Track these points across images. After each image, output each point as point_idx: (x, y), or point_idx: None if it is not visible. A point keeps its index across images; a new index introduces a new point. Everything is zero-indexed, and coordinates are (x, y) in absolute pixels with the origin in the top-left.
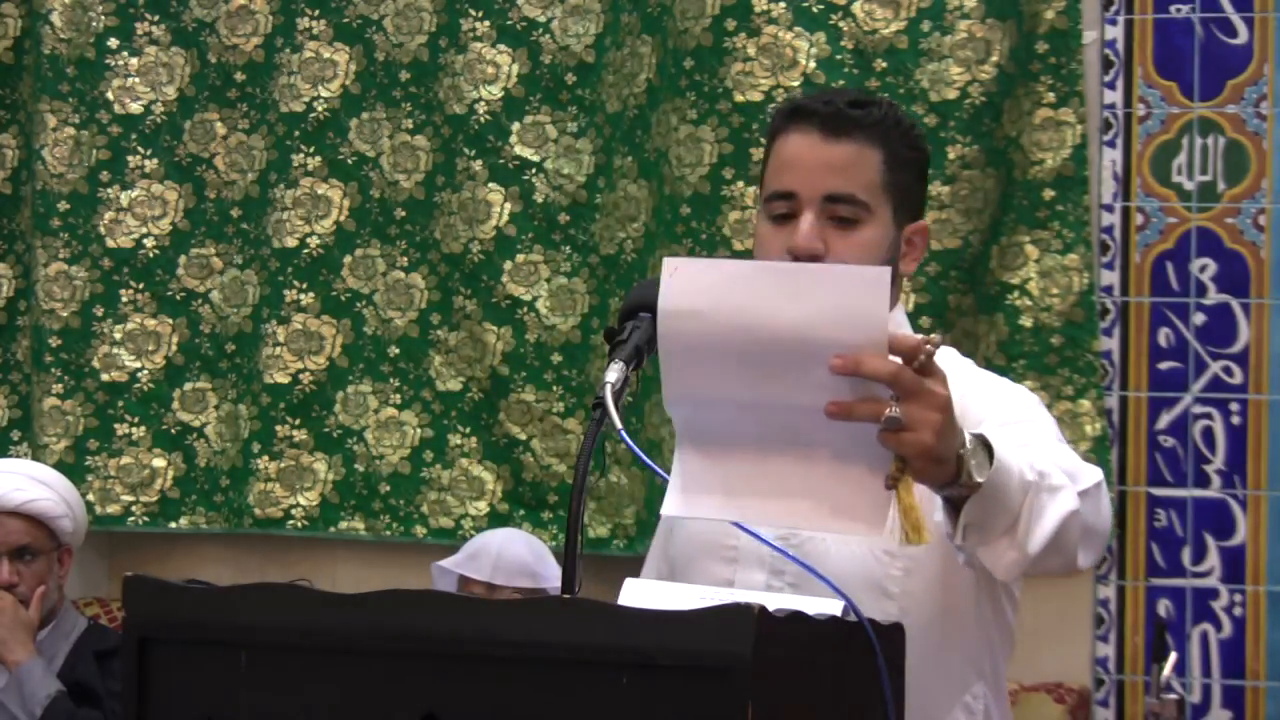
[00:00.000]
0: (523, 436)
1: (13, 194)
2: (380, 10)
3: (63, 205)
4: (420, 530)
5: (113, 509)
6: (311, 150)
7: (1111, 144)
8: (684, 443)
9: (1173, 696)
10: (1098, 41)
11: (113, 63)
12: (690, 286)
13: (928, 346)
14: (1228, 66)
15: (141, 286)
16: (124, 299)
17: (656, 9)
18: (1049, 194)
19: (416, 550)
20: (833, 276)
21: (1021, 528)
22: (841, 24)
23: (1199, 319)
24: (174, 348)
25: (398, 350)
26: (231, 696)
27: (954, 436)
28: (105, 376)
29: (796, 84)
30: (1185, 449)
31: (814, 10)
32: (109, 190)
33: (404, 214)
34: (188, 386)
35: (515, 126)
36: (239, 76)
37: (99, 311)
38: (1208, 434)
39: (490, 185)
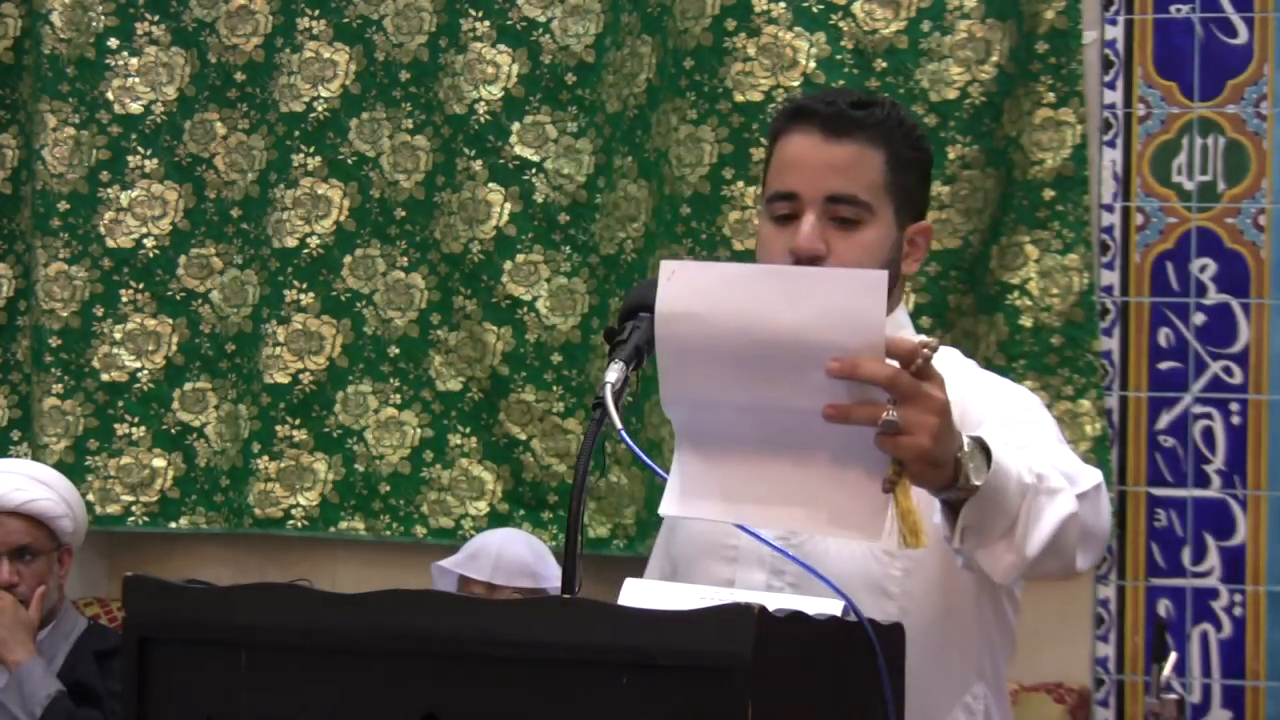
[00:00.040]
0: (523, 436)
1: (13, 194)
2: (380, 10)
3: (63, 205)
4: (420, 530)
5: (113, 509)
6: (311, 150)
7: (1111, 144)
8: (682, 444)
9: (1173, 696)
10: (1098, 41)
11: (113, 63)
12: (688, 289)
13: (925, 350)
14: (1228, 66)
15: (141, 286)
16: (124, 299)
17: (656, 9)
18: (1049, 194)
19: (416, 550)
20: (830, 280)
21: (1019, 531)
22: (841, 24)
23: (1199, 319)
24: (174, 348)
25: (398, 350)
26: (231, 696)
27: (952, 440)
28: (105, 376)
29: (796, 84)
30: (1185, 449)
31: (814, 10)
32: (109, 190)
33: (404, 214)
34: (188, 386)
35: (515, 126)
36: (239, 76)
37: (99, 311)
38: (1208, 434)
39: (490, 185)
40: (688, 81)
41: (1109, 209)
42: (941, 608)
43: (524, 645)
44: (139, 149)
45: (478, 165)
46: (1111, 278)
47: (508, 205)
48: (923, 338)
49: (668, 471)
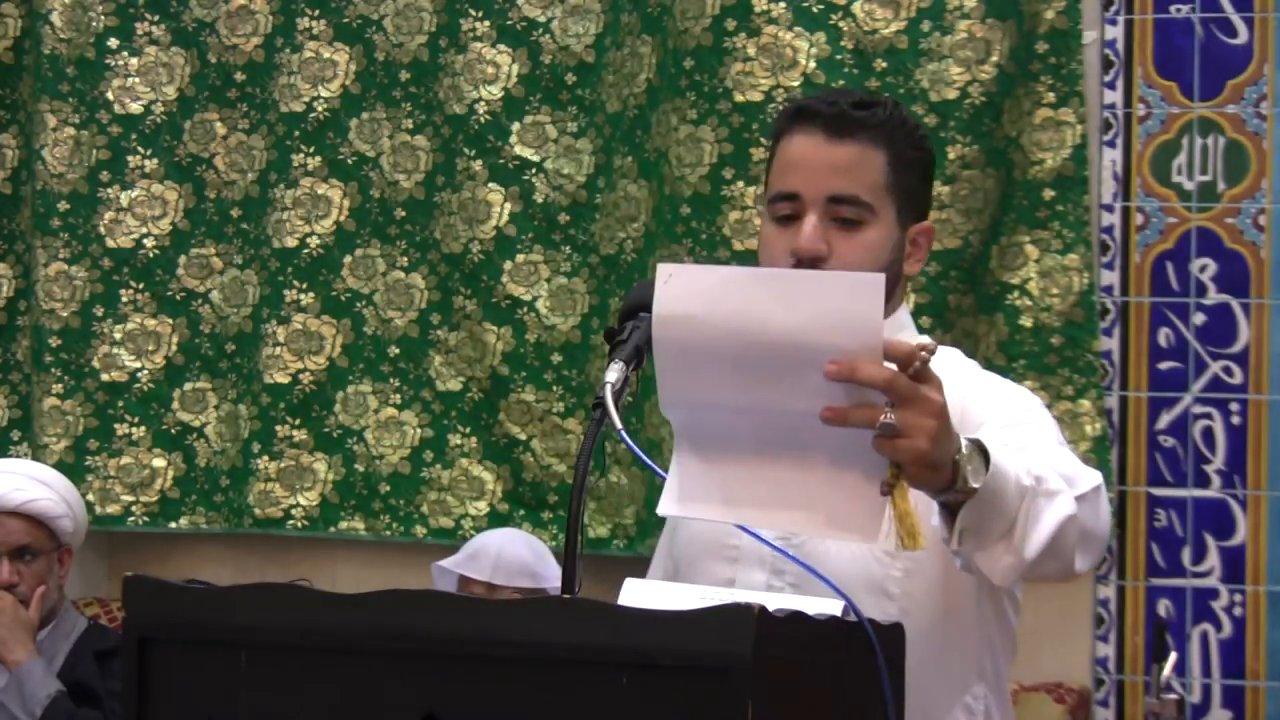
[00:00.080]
0: (523, 436)
1: (13, 194)
2: (380, 10)
3: (63, 205)
4: (420, 530)
5: (113, 509)
6: (311, 150)
7: (1111, 144)
8: (681, 445)
9: (1173, 696)
10: (1098, 41)
11: (113, 63)
12: (685, 292)
13: (923, 353)
14: (1228, 66)
15: (141, 286)
16: (124, 299)
17: (656, 9)
18: (1049, 194)
19: (416, 550)
20: (828, 283)
21: (1018, 533)
22: (841, 24)
23: (1199, 319)
24: (174, 348)
25: (398, 350)
26: (231, 696)
27: (950, 442)
28: (105, 376)
29: (796, 84)
30: (1185, 449)
31: (814, 10)
32: (109, 190)
33: (404, 214)
34: (188, 386)
35: (515, 126)
36: (239, 76)
37: (99, 311)
38: (1208, 434)
39: (490, 185)
40: (688, 81)
41: (1109, 209)
42: (942, 608)
43: (524, 645)
44: (139, 149)
45: (478, 165)
46: (1111, 278)
47: (508, 205)
48: (924, 338)
49: (667, 471)
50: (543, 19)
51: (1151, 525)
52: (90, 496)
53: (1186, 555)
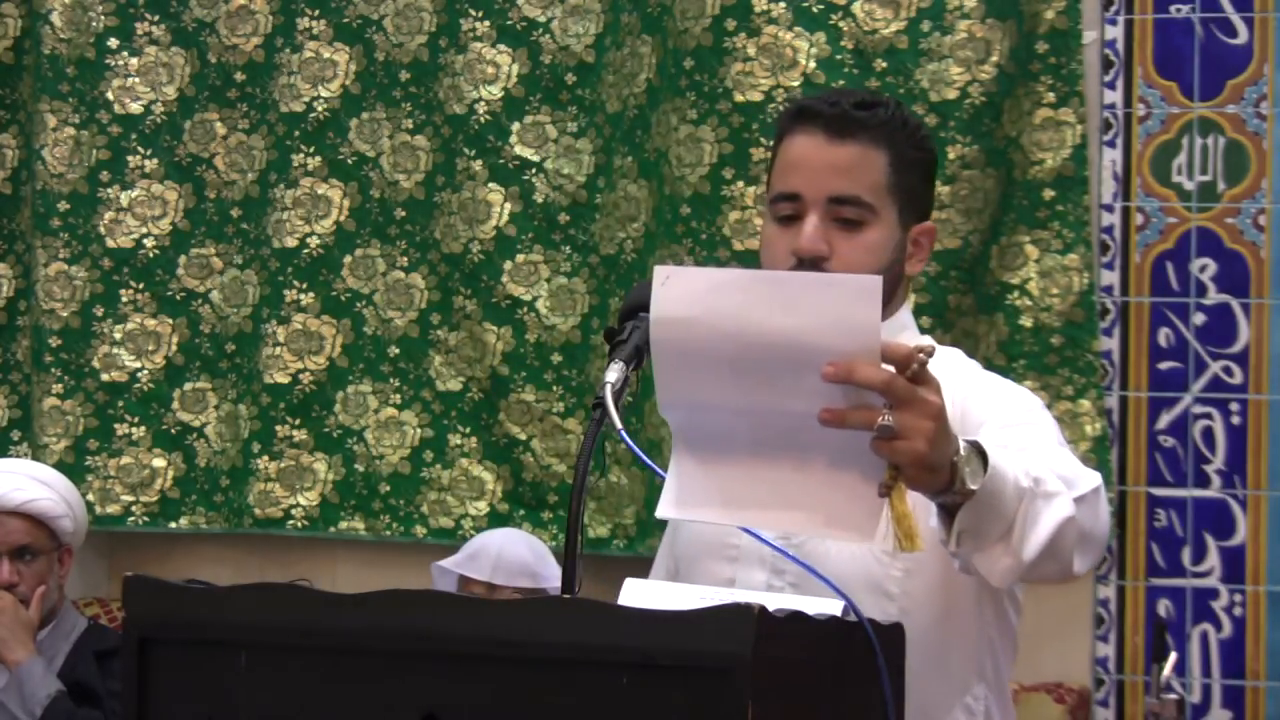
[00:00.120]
0: (523, 436)
1: (13, 194)
2: (380, 10)
3: (63, 205)
4: (420, 530)
5: (113, 509)
6: (311, 150)
7: (1111, 144)
8: (679, 447)
9: (1173, 696)
10: (1098, 41)
11: (113, 63)
12: (682, 294)
13: (920, 355)
14: (1228, 66)
15: (141, 286)
16: (124, 299)
17: (656, 9)
18: (1049, 194)
19: (416, 550)
20: (825, 285)
21: (1016, 534)
22: (841, 24)
23: (1199, 319)
24: (174, 348)
25: (398, 350)
26: (231, 696)
27: (947, 444)
28: (105, 376)
29: (796, 84)
30: (1185, 449)
31: (814, 10)
32: (109, 190)
33: (404, 214)
34: (188, 386)
35: (515, 126)
36: (239, 76)
37: (99, 311)
38: (1208, 434)
39: (490, 185)
40: (688, 81)
41: (1109, 209)
42: (942, 608)
43: (524, 645)
44: (139, 149)
45: (478, 165)
46: (1111, 278)
47: (508, 205)
48: (926, 339)
49: (668, 472)
50: (543, 19)
51: (1151, 525)
52: (90, 496)
53: (1186, 555)
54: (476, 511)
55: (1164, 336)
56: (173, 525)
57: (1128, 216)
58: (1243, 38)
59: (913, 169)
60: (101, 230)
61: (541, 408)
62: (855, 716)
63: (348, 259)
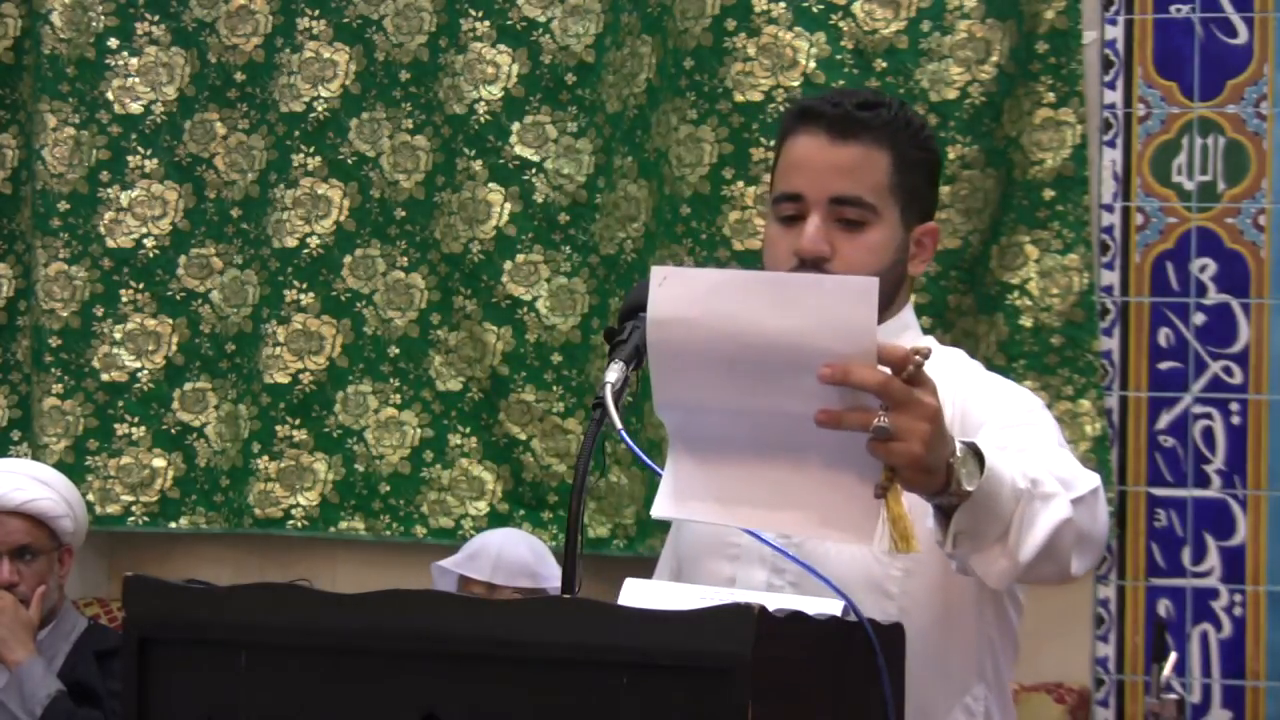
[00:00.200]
0: (523, 436)
1: (13, 194)
2: (380, 10)
3: (63, 205)
4: (420, 530)
5: (113, 509)
6: (311, 150)
7: (1111, 144)
8: (676, 447)
9: (1173, 696)
10: (1098, 41)
11: (113, 63)
12: (679, 295)
13: (916, 357)
14: (1228, 66)
15: (141, 286)
16: (124, 299)
17: (656, 9)
18: (1049, 194)
19: (416, 550)
20: (822, 287)
21: (1013, 536)
22: (841, 24)
23: (1199, 319)
24: (174, 348)
25: (398, 350)
26: (231, 696)
27: (944, 446)
28: (105, 376)
29: (796, 84)
30: (1185, 449)
31: (814, 10)
32: (109, 190)
33: (404, 214)
34: (188, 386)
35: (515, 126)
36: (239, 76)
37: (99, 311)
38: (1208, 434)
39: (490, 185)
40: (688, 81)
41: (1109, 209)
42: (942, 609)
43: (524, 645)
44: (139, 149)
45: (478, 165)
46: (1111, 278)
47: (508, 205)
48: (928, 339)
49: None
50: (543, 19)
51: (1151, 525)
52: (90, 496)
53: (1186, 555)
54: (476, 511)
55: (1164, 336)
56: (173, 525)
57: (1128, 216)
58: (1243, 38)
59: (916, 169)
60: (101, 230)
61: (541, 408)
62: (855, 716)
63: (348, 259)
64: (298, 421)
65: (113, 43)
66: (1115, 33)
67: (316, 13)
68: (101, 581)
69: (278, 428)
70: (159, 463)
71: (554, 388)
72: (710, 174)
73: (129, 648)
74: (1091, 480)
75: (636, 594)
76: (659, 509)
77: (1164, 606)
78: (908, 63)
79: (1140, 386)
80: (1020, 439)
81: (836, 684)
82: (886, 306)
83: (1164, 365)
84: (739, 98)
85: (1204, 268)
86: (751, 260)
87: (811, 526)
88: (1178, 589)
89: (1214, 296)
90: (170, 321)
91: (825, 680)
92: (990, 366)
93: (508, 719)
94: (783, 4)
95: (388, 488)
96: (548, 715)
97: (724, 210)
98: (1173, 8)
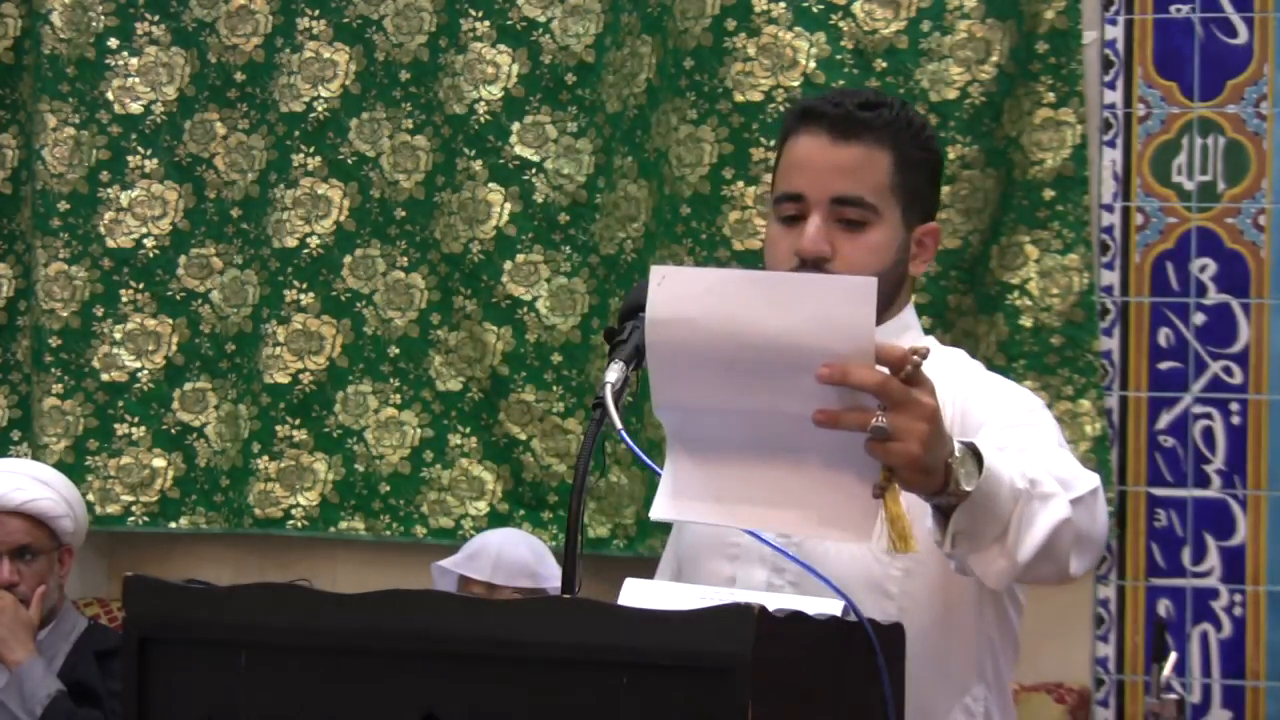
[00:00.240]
0: (523, 436)
1: (13, 194)
2: (380, 10)
3: (63, 205)
4: (420, 530)
5: (113, 509)
6: (311, 150)
7: (1111, 144)
8: (674, 447)
9: (1173, 696)
10: (1098, 41)
11: (113, 63)
12: (678, 295)
13: (915, 357)
14: (1228, 66)
15: (141, 286)
16: (124, 299)
17: (656, 9)
18: (1049, 194)
19: (416, 550)
20: (821, 286)
21: (1011, 536)
22: (841, 24)
23: (1199, 319)
24: (174, 348)
25: (398, 350)
26: (231, 696)
27: (942, 446)
28: (105, 376)
29: (796, 84)
30: (1185, 449)
31: (814, 10)
32: (109, 190)
33: (404, 214)
34: (188, 386)
35: (515, 126)
36: (239, 76)
37: (99, 311)
38: (1208, 434)
39: (490, 185)
40: (688, 81)
41: (1109, 209)
42: (942, 609)
43: (524, 645)
44: (139, 149)
45: (478, 165)
46: (1111, 278)
47: (508, 205)
48: (929, 339)
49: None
50: (543, 19)
51: (1151, 525)
52: (90, 496)
53: (1186, 555)
54: (476, 511)
55: (1164, 336)
56: (173, 525)
57: (1128, 216)
58: (1243, 38)
59: (917, 169)
60: (101, 230)
61: (541, 408)
62: (855, 716)
63: (348, 259)
64: (298, 421)
65: (113, 43)
66: (1115, 33)
67: (316, 13)
68: (101, 581)
69: (278, 428)
70: (159, 463)
71: (554, 388)
72: (710, 174)
73: (129, 648)
74: (1091, 480)
75: (636, 594)
76: (658, 510)
77: (1164, 606)
78: (908, 63)
79: (1140, 386)
80: (1020, 439)
81: (836, 684)
82: (887, 306)
83: (1164, 365)
84: (739, 98)
85: (1204, 268)
86: (751, 260)
87: (810, 526)
88: (1178, 589)
89: (1214, 296)
90: (170, 321)
91: (825, 680)
92: (990, 366)
93: (507, 719)
94: (783, 4)
95: (388, 488)
96: (548, 715)
97: (724, 210)
98: (1173, 8)
